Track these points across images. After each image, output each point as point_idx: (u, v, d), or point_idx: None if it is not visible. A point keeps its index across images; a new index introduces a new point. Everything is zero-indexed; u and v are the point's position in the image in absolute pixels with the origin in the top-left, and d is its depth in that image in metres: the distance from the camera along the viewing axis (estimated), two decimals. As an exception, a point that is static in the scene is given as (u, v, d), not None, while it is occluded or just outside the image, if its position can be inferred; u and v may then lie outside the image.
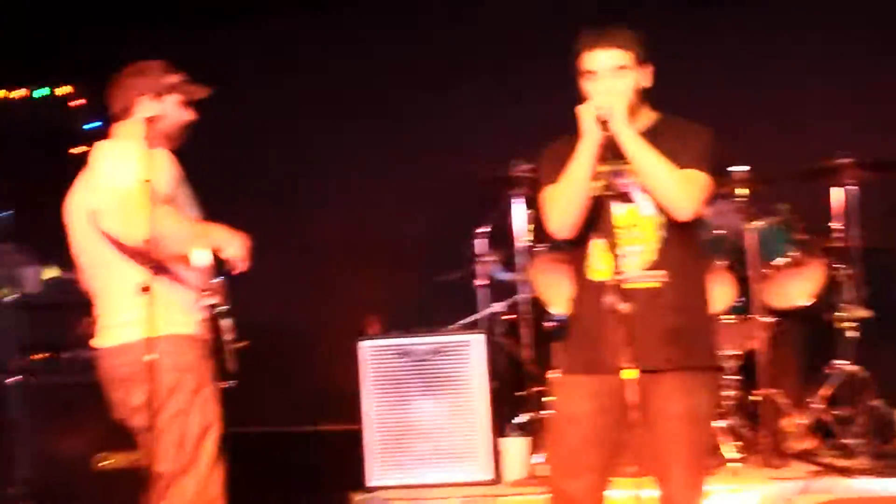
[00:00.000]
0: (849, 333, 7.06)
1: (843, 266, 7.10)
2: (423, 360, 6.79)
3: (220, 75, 5.18)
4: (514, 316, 7.45)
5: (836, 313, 7.10)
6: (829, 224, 7.15)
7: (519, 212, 7.36)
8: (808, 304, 7.02)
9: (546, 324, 7.24)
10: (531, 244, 7.32)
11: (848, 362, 7.00)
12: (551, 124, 7.74)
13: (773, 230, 7.01)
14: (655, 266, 4.40)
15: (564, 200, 4.44)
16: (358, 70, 8.43)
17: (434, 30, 8.44)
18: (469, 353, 6.79)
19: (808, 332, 7.24)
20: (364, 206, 8.27)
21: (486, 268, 7.56)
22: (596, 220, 4.44)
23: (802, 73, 7.90)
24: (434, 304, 7.79)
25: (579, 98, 4.45)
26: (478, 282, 7.57)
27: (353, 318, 7.23)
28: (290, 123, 8.37)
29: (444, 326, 7.16)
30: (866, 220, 7.10)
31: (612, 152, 4.36)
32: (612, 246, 4.31)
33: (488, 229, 7.52)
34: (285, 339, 7.80)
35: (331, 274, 8.16)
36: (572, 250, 4.59)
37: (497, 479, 6.72)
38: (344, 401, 6.91)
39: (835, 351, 7.08)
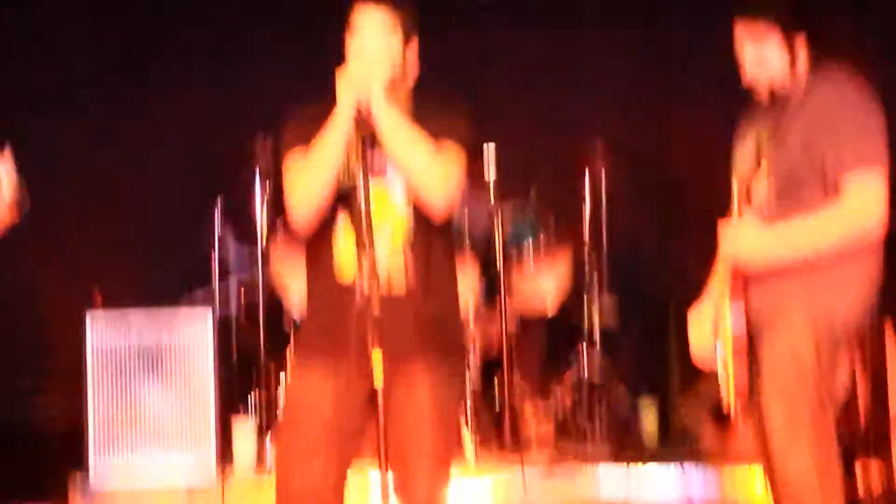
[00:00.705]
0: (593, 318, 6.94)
1: (591, 251, 6.97)
2: (149, 336, 6.37)
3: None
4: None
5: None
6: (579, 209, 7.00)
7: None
8: (558, 298, 6.85)
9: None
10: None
11: (591, 347, 6.90)
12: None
13: (523, 215, 6.82)
14: (406, 260, 4.04)
15: (309, 179, 3.99)
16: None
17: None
18: (197, 329, 6.40)
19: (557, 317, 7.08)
20: (99, 169, 7.71)
21: (222, 241, 7.14)
22: (343, 205, 4.02)
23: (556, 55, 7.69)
24: (166, 278, 7.37)
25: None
26: (213, 255, 7.14)
27: (81, 288, 6.75)
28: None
29: (176, 301, 6.79)
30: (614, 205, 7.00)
31: (367, 126, 3.92)
32: (357, 238, 3.85)
33: (220, 200, 7.11)
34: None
35: (60, 242, 7.64)
36: (311, 241, 4.15)
37: (224, 466, 6.33)
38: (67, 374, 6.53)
39: (580, 335, 6.94)
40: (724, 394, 4.30)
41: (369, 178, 3.84)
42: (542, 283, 6.77)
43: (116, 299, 6.58)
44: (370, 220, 3.76)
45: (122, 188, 7.66)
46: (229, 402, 6.55)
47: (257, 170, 6.80)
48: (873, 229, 4.16)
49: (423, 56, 4.18)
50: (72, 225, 7.51)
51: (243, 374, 6.82)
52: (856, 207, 4.13)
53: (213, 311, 6.52)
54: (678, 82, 7.56)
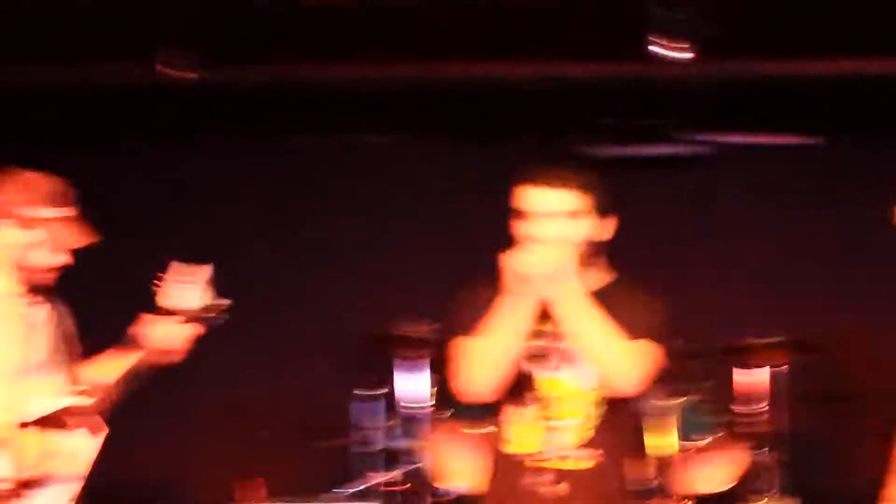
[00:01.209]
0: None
1: (766, 450, 6.63)
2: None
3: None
4: (404, 487, 6.71)
5: (757, 501, 6.62)
6: (753, 405, 6.69)
7: (419, 374, 6.71)
8: (726, 489, 6.52)
9: (435, 499, 6.55)
10: (431, 410, 6.68)
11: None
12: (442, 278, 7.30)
13: (695, 408, 6.51)
14: (591, 444, 3.82)
15: (484, 359, 3.79)
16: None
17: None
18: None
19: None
20: (237, 364, 7.50)
21: (374, 434, 6.86)
22: (520, 386, 3.84)
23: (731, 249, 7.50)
24: (309, 471, 7.05)
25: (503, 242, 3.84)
26: (360, 448, 6.87)
27: (224, 483, 6.51)
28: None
29: (321, 496, 6.52)
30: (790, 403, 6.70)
31: (549, 311, 3.76)
32: (540, 418, 3.72)
33: (372, 393, 6.87)
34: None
35: (203, 435, 7.39)
36: (487, 419, 4.02)
37: None
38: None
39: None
40: None
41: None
42: (714, 479, 6.44)
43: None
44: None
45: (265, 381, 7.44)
46: None
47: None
48: None
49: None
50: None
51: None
52: None
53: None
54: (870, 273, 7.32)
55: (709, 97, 6.95)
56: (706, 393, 6.51)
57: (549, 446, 3.64)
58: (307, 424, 7.07)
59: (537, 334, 3.79)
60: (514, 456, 3.85)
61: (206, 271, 4.33)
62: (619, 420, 3.89)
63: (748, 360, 6.73)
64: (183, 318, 4.27)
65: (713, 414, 6.52)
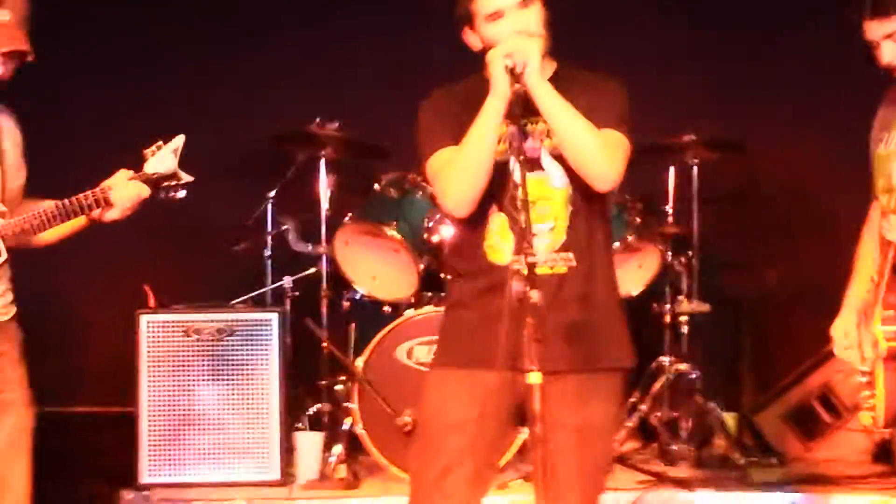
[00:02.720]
0: (682, 329, 6.48)
1: (680, 254, 6.51)
2: (210, 340, 5.90)
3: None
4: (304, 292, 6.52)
5: (668, 305, 6.51)
6: (666, 207, 6.55)
7: (322, 176, 6.43)
8: (638, 292, 6.39)
9: (345, 302, 6.42)
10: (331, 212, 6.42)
11: (676, 359, 6.44)
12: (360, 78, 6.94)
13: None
14: (564, 247, 3.69)
15: (465, 168, 3.70)
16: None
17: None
18: (263, 334, 5.93)
19: (635, 324, 6.58)
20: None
21: (281, 237, 6.65)
22: (495, 189, 3.71)
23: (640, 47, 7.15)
24: (221, 276, 6.87)
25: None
26: (268, 252, 6.67)
27: (132, 290, 6.20)
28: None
29: (229, 301, 6.26)
30: (703, 206, 6.53)
31: (520, 108, 3.60)
32: (515, 222, 3.51)
33: (273, 194, 6.61)
34: (57, 311, 6.83)
35: (107, 241, 7.10)
36: (463, 225, 3.85)
37: (287, 480, 5.90)
38: (119, 382, 6.03)
39: (664, 346, 6.48)
40: (868, 407, 3.98)
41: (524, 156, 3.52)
42: (626, 282, 6.28)
43: (169, 300, 6.12)
44: (526, 195, 3.42)
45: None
46: (292, 411, 6.10)
47: (322, 157, 6.37)
48: None
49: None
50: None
51: (307, 380, 6.38)
52: None
53: (284, 316, 6.07)
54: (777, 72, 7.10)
55: None
56: (617, 194, 6.30)
57: (522, 253, 3.39)
58: (218, 230, 6.87)
59: (514, 134, 3.61)
60: (493, 264, 3.76)
61: (178, 140, 4.40)
62: (590, 221, 3.79)
63: (662, 159, 6.55)
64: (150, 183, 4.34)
65: (625, 216, 6.33)
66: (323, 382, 6.29)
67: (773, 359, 7.07)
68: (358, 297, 6.34)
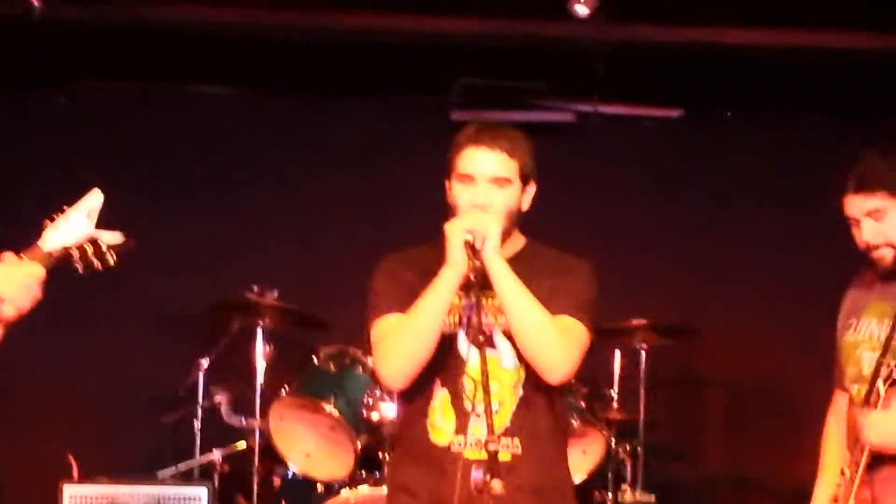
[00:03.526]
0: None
1: (625, 441, 6.33)
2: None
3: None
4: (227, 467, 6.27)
5: (611, 494, 6.29)
6: (611, 392, 6.37)
7: (258, 345, 6.24)
8: (581, 480, 6.18)
9: (276, 479, 6.16)
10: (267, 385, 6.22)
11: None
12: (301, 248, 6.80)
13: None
14: (508, 432, 3.54)
15: (409, 339, 3.59)
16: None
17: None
18: (191, 508, 5.67)
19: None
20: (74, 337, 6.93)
21: (212, 409, 6.38)
22: (441, 364, 3.60)
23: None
24: (148, 445, 6.60)
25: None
26: (198, 425, 6.41)
27: (55, 460, 6.02)
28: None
29: (155, 473, 6.07)
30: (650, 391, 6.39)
31: (475, 283, 3.53)
32: (457, 400, 3.48)
33: (206, 362, 6.38)
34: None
35: (31, 404, 6.87)
36: (404, 397, 3.79)
37: None
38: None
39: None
40: None
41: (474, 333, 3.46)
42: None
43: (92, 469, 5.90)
44: (486, 375, 3.33)
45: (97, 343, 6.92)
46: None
47: (259, 327, 6.19)
48: None
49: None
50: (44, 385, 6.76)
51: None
52: None
53: (213, 492, 5.85)
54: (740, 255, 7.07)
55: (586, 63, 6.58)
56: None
57: (465, 434, 3.45)
58: (147, 398, 6.66)
59: (465, 309, 3.62)
60: (434, 444, 3.64)
61: (92, 199, 3.59)
62: (541, 408, 3.66)
63: (615, 341, 6.42)
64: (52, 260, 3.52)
65: (570, 399, 6.16)
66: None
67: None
68: (290, 474, 6.07)
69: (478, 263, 3.50)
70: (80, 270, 3.58)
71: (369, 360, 5.91)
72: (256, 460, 6.14)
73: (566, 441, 3.87)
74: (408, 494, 3.67)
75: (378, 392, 5.90)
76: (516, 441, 3.55)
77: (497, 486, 3.14)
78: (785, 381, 6.79)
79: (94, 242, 3.55)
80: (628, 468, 6.34)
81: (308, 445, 6.04)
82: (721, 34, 6.35)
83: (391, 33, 6.56)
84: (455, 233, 3.53)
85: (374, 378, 5.87)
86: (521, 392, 3.62)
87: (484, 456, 3.32)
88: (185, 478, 6.12)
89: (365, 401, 5.93)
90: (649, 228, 7.06)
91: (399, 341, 3.59)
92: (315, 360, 6.08)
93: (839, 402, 4.06)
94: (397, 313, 3.64)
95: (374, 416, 5.89)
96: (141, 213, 6.84)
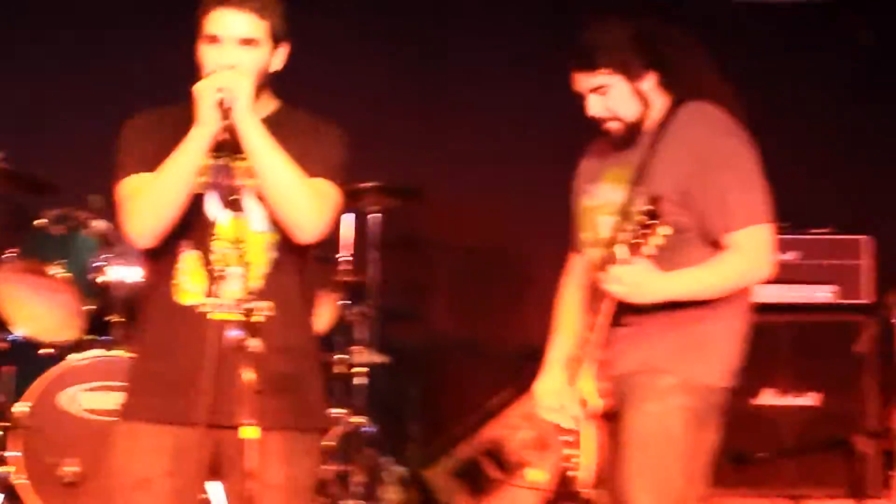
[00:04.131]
0: (357, 380, 6.32)
1: (357, 303, 6.37)
2: None
3: None
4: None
5: (341, 356, 6.34)
6: (338, 255, 6.39)
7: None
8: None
9: (1, 344, 5.99)
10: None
11: (350, 411, 6.26)
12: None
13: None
14: (260, 294, 3.44)
15: (158, 197, 3.53)
16: None
17: None
18: None
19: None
20: None
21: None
22: (189, 225, 3.55)
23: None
24: None
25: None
26: None
27: None
28: None
29: None
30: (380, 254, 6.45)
31: (225, 144, 3.51)
32: (207, 262, 3.46)
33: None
34: None
35: None
36: (150, 259, 3.67)
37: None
38: None
39: (339, 398, 6.30)
40: (574, 465, 3.92)
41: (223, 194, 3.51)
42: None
43: None
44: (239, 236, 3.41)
45: None
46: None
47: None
48: (763, 278, 3.92)
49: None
50: None
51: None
52: (751, 258, 3.87)
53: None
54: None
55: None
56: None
57: (215, 296, 3.32)
58: None
59: (215, 169, 3.57)
60: (184, 305, 3.57)
61: None
62: (293, 268, 3.63)
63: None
64: None
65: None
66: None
67: (446, 413, 7.01)
68: (18, 338, 5.93)
69: (229, 122, 3.46)
70: None
71: (97, 223, 5.88)
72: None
73: (314, 303, 3.85)
74: (152, 357, 3.63)
75: (107, 255, 5.83)
76: (268, 303, 3.44)
77: (254, 343, 3.13)
78: (512, 243, 6.95)
79: None
80: (360, 330, 6.40)
81: (36, 310, 5.91)
82: None
83: None
84: (205, 92, 3.47)
85: (101, 241, 5.86)
86: (273, 255, 3.60)
87: (235, 317, 3.28)
88: None
89: (92, 264, 5.87)
90: (380, 90, 7.04)
91: (147, 199, 3.53)
92: (41, 224, 5.95)
93: (575, 266, 4.15)
94: (146, 172, 3.57)
95: (103, 279, 5.84)
96: None
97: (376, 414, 6.39)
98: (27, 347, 5.96)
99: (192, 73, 3.61)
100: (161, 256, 3.60)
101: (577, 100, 3.95)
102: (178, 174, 3.50)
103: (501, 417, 6.34)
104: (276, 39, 3.62)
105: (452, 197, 6.87)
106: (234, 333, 3.15)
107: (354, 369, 6.33)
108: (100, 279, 5.84)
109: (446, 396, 7.14)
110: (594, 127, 3.99)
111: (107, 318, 5.85)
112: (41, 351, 5.94)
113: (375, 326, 6.42)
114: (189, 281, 3.58)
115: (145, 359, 3.67)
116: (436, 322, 7.21)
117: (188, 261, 3.58)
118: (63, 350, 5.85)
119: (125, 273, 5.78)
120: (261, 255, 3.58)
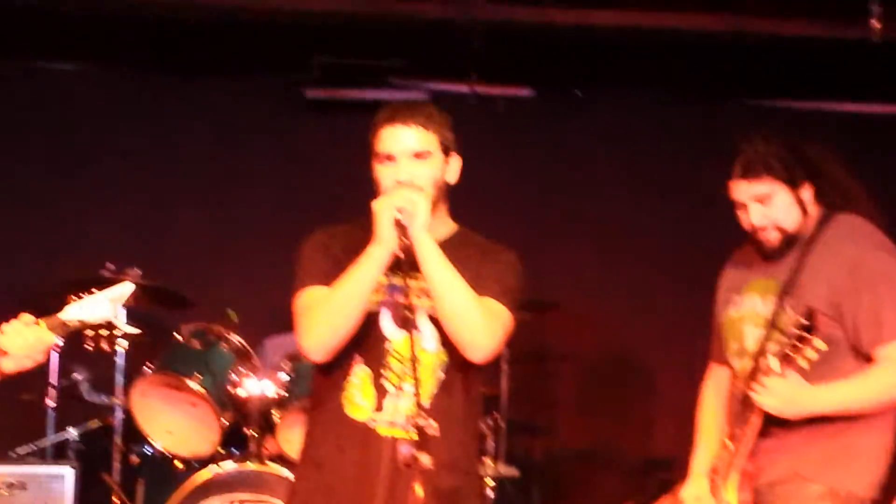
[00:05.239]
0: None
1: (487, 415, 6.36)
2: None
3: None
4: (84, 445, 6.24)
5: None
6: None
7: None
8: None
9: (134, 458, 6.13)
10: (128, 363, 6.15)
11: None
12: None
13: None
14: (428, 412, 3.47)
15: (334, 312, 3.59)
16: None
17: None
18: (56, 490, 5.62)
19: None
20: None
21: (72, 387, 6.30)
22: (362, 341, 3.61)
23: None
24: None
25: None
26: (52, 403, 6.30)
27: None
28: None
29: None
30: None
31: (401, 263, 3.56)
32: (378, 378, 3.52)
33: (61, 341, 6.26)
34: None
35: None
36: (321, 372, 3.73)
37: None
38: None
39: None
40: None
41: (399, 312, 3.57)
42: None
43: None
44: (414, 354, 3.40)
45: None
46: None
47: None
48: None
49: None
50: None
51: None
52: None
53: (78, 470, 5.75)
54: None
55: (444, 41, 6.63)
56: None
57: (385, 412, 3.46)
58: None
59: (390, 288, 3.64)
60: (352, 420, 3.63)
61: (122, 288, 3.76)
62: (456, 390, 3.68)
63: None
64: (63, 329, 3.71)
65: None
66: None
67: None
68: (150, 452, 6.02)
69: (406, 241, 3.51)
70: (90, 349, 3.76)
71: (233, 337, 5.99)
72: (118, 438, 6.08)
73: (479, 423, 3.93)
74: (319, 468, 3.68)
75: (243, 368, 5.91)
76: (433, 423, 3.46)
77: (426, 460, 3.17)
78: (637, 355, 6.94)
79: (110, 327, 3.70)
80: (490, 442, 6.40)
81: (172, 423, 5.99)
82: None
83: (246, 10, 6.58)
84: (384, 210, 3.52)
85: (238, 355, 5.94)
86: (441, 375, 3.64)
87: (402, 434, 3.39)
88: (40, 456, 6.05)
89: (230, 377, 5.94)
90: (503, 203, 7.11)
91: (323, 314, 3.58)
92: (179, 338, 6.06)
93: (717, 376, 4.20)
94: (322, 286, 3.63)
95: (240, 393, 5.89)
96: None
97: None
98: (159, 462, 6.04)
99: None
100: (333, 370, 3.66)
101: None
102: (355, 291, 3.55)
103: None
104: (447, 150, 3.69)
105: (579, 309, 6.91)
106: (406, 450, 3.19)
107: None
108: (237, 392, 5.92)
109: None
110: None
111: (244, 431, 5.90)
112: (175, 464, 6.01)
113: (503, 439, 6.45)
114: (360, 395, 3.63)
115: (314, 469, 3.71)
116: (562, 435, 7.19)
117: (360, 375, 3.64)
118: (198, 463, 5.91)
119: (261, 387, 5.86)
120: (430, 375, 3.63)
